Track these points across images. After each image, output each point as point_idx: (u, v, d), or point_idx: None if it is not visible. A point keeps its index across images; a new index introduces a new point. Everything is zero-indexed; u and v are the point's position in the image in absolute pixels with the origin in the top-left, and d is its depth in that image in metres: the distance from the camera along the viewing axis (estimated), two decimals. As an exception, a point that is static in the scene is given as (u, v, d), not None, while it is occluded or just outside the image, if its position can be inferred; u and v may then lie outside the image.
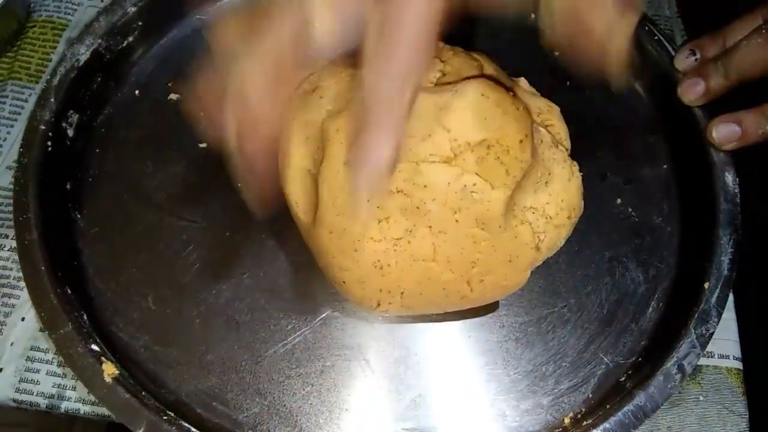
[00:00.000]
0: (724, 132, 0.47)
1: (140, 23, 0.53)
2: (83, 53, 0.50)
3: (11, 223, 0.45)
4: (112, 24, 0.51)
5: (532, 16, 0.56)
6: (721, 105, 0.49)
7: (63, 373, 0.45)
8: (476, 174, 0.35)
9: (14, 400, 0.45)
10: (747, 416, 0.46)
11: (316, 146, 0.38)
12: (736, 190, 0.47)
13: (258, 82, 0.34)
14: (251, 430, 0.42)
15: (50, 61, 0.56)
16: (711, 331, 0.42)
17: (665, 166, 0.52)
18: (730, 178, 0.47)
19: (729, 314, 0.48)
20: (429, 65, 0.37)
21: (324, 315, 0.45)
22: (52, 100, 0.48)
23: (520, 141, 0.36)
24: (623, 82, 0.42)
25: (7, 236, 0.49)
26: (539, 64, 0.48)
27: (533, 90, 0.43)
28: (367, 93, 0.31)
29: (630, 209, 0.50)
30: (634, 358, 0.45)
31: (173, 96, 0.53)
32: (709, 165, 0.48)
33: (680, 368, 0.41)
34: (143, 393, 0.40)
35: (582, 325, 0.46)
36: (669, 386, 0.41)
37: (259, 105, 0.34)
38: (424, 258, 0.37)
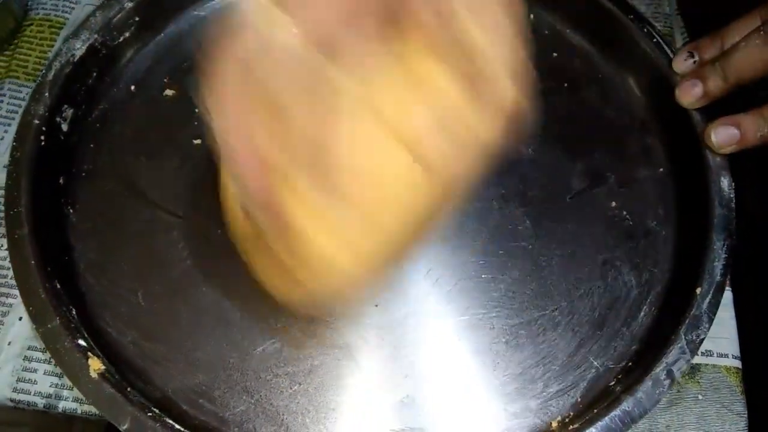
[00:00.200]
0: (722, 135, 0.47)
1: (137, 19, 0.53)
2: (79, 48, 0.50)
3: (9, 221, 0.45)
4: (109, 19, 0.51)
5: (532, 16, 0.56)
6: (719, 108, 0.48)
7: (60, 373, 0.46)
8: None
9: (11, 400, 0.45)
10: (746, 415, 0.46)
11: None
12: (732, 195, 0.47)
13: None
14: (237, 428, 0.42)
15: (48, 59, 0.57)
16: (702, 337, 0.42)
17: (661, 170, 0.51)
18: (725, 182, 0.47)
19: (728, 313, 0.48)
20: None
21: (313, 314, 0.45)
22: (47, 94, 0.48)
23: None
24: None
25: (4, 236, 0.49)
26: (536, 65, 0.48)
27: None
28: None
29: (624, 212, 0.49)
30: (624, 363, 0.44)
31: (169, 92, 0.53)
32: (704, 169, 0.47)
33: (669, 374, 0.41)
34: (128, 389, 0.40)
35: (573, 328, 0.46)
36: (657, 392, 0.40)
37: None
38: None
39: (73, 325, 0.42)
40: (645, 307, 0.46)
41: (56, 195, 0.48)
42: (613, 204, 0.50)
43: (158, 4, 0.54)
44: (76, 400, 0.45)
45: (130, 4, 0.52)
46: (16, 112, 0.54)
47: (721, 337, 0.48)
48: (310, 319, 0.45)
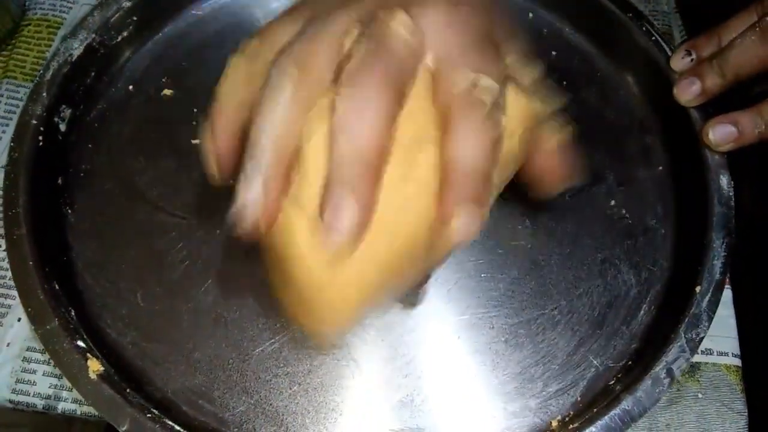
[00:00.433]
0: (720, 133, 0.47)
1: (135, 18, 0.52)
2: (77, 48, 0.49)
3: (8, 222, 0.45)
4: (107, 19, 0.51)
5: (530, 15, 0.56)
6: (717, 106, 0.48)
7: (59, 374, 0.45)
8: None
9: (10, 401, 0.45)
10: (746, 413, 0.46)
11: None
12: (731, 193, 0.46)
13: None
14: (237, 429, 0.42)
15: (45, 59, 0.56)
16: (701, 336, 0.42)
17: (660, 168, 0.51)
18: (725, 180, 0.47)
19: (728, 311, 0.48)
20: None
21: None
22: (45, 94, 0.48)
23: None
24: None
25: (3, 236, 0.49)
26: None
27: None
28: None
29: (624, 211, 0.49)
30: (624, 362, 0.44)
31: (167, 92, 0.52)
32: (703, 167, 0.47)
33: (669, 372, 0.41)
34: (128, 390, 0.40)
35: (572, 327, 0.46)
36: (657, 391, 0.40)
37: None
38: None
39: (72, 326, 0.41)
40: (644, 305, 0.46)
41: (54, 195, 0.48)
42: (613, 203, 0.50)
43: (156, 4, 0.54)
44: (75, 401, 0.45)
45: (128, 4, 0.52)
46: (14, 113, 0.54)
47: (721, 336, 0.48)
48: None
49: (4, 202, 0.44)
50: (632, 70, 0.54)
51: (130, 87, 0.53)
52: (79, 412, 0.45)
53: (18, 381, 0.45)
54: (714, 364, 0.47)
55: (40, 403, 0.45)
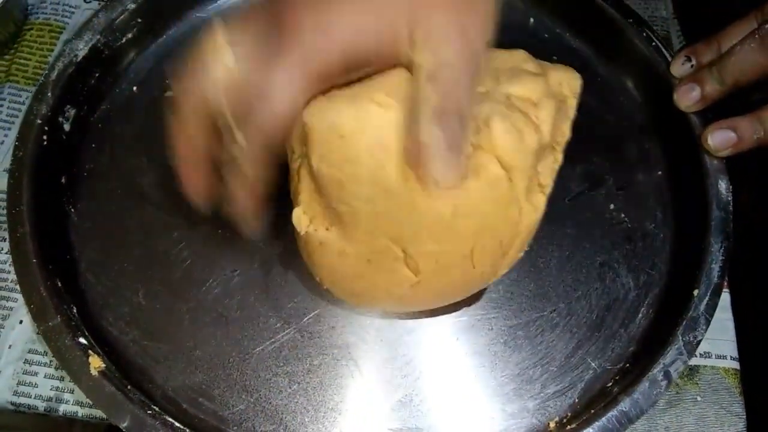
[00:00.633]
0: (719, 138, 0.47)
1: (139, 20, 0.53)
2: (81, 49, 0.50)
3: (10, 225, 0.45)
4: (111, 21, 0.51)
5: (532, 20, 0.57)
6: (716, 112, 0.48)
7: (61, 376, 0.46)
8: None
9: (12, 403, 0.45)
10: (744, 416, 0.46)
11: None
12: (729, 198, 0.47)
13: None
14: (236, 427, 0.42)
15: (47, 64, 0.56)
16: (699, 339, 0.42)
17: (659, 173, 0.51)
18: (723, 185, 0.47)
19: (726, 315, 0.48)
20: None
21: (313, 314, 0.45)
22: (49, 94, 0.48)
23: None
24: None
25: (4, 239, 0.49)
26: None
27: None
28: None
29: (623, 215, 0.50)
30: (621, 364, 0.45)
31: (170, 93, 0.53)
32: (702, 172, 0.48)
33: (666, 375, 0.41)
34: (128, 387, 0.40)
35: (571, 329, 0.46)
36: (654, 393, 0.41)
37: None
38: None
39: (73, 323, 0.42)
40: (642, 308, 0.46)
41: (58, 194, 0.48)
42: (612, 207, 0.50)
43: (160, 7, 0.54)
44: (76, 403, 0.45)
45: (133, 6, 0.52)
46: (16, 116, 0.54)
47: (720, 339, 0.48)
48: (310, 319, 0.45)
49: (9, 200, 0.45)
50: (632, 76, 0.54)
51: (134, 88, 0.53)
52: (80, 414, 0.45)
53: (20, 383, 0.46)
54: (713, 367, 0.47)
55: (41, 405, 0.45)
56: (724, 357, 0.47)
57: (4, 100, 0.55)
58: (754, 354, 0.48)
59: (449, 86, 0.31)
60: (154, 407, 0.40)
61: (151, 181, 0.50)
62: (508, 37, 0.52)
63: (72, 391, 0.45)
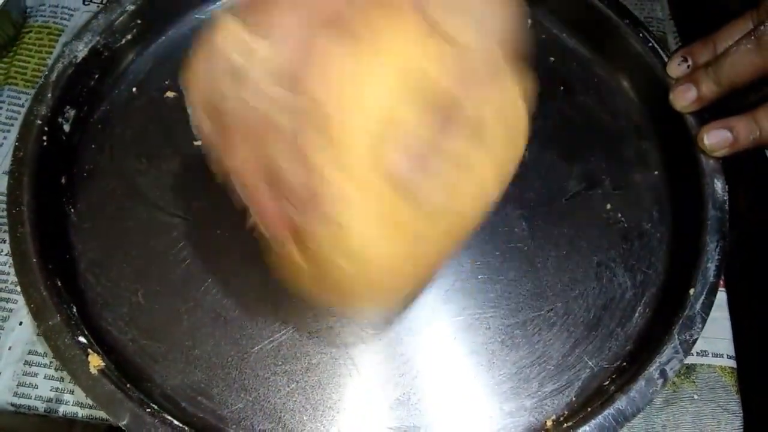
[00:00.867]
0: (715, 138, 0.47)
1: (138, 21, 0.53)
2: (81, 50, 0.50)
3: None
4: (111, 22, 0.52)
5: (529, 21, 0.57)
6: (713, 112, 0.49)
7: (61, 377, 0.46)
8: None
9: (12, 405, 0.45)
10: (741, 414, 0.46)
11: None
12: (725, 198, 0.47)
13: None
14: (235, 426, 0.42)
15: (47, 66, 0.57)
16: (695, 337, 0.42)
17: (656, 172, 0.52)
18: (719, 185, 0.47)
19: (723, 313, 0.49)
20: None
21: (311, 313, 0.46)
22: (49, 95, 0.48)
23: None
24: None
25: (4, 240, 0.49)
26: (533, 69, 0.48)
27: None
28: None
29: (619, 214, 0.50)
30: (618, 363, 0.45)
31: (170, 94, 0.53)
32: (698, 172, 0.48)
33: (662, 373, 0.41)
34: (128, 385, 0.40)
35: (568, 328, 0.46)
36: (651, 391, 0.41)
37: None
38: None
39: (73, 322, 0.42)
40: (639, 307, 0.47)
41: (58, 194, 0.48)
42: (608, 206, 0.50)
43: (160, 8, 0.54)
44: (76, 404, 0.45)
45: (132, 7, 0.52)
46: (15, 119, 0.55)
47: (716, 338, 0.48)
48: (308, 318, 0.45)
49: (9, 200, 0.45)
50: (629, 76, 0.55)
51: (134, 89, 0.53)
52: (80, 415, 0.45)
53: (20, 384, 0.46)
54: (709, 366, 0.47)
55: (41, 406, 0.45)
56: (721, 355, 0.48)
57: (3, 102, 0.55)
58: (751, 352, 0.48)
59: None
60: (154, 406, 0.40)
61: (150, 182, 0.50)
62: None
63: (72, 392, 0.45)
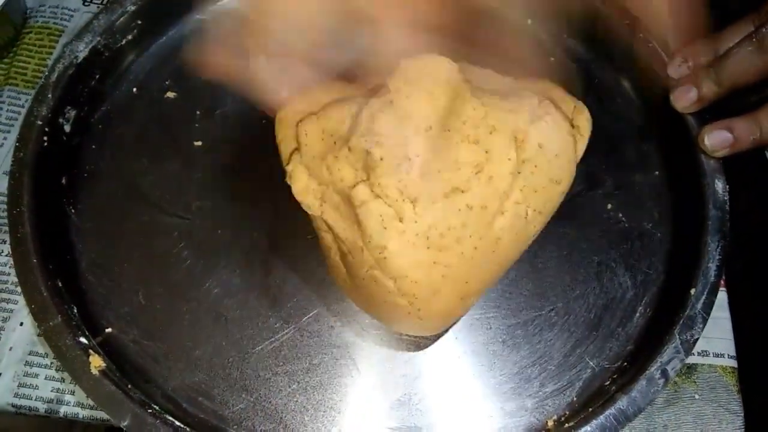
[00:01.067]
0: (716, 139, 0.47)
1: (139, 22, 0.53)
2: (82, 50, 0.50)
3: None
4: (111, 22, 0.52)
5: (529, 21, 0.57)
6: (713, 112, 0.49)
7: (62, 378, 0.46)
8: None
9: (13, 405, 0.45)
10: (742, 414, 0.46)
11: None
12: (726, 198, 0.47)
13: None
14: (236, 426, 0.42)
15: (47, 67, 0.57)
16: (696, 337, 0.42)
17: (657, 173, 0.52)
18: (720, 185, 0.47)
19: (724, 313, 0.49)
20: None
21: (312, 314, 0.46)
22: (50, 96, 0.48)
23: None
24: None
25: (5, 241, 0.49)
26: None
27: None
28: None
29: (620, 215, 0.50)
30: (619, 363, 0.45)
31: (170, 94, 0.53)
32: (699, 172, 0.48)
33: (664, 373, 0.41)
34: (129, 386, 0.40)
35: (569, 328, 0.46)
36: (652, 391, 0.41)
37: None
38: None
39: (74, 323, 0.42)
40: (640, 307, 0.47)
41: (58, 195, 0.48)
42: (609, 206, 0.50)
43: (160, 8, 0.54)
44: (77, 404, 0.45)
45: (133, 8, 0.52)
46: (16, 119, 0.55)
47: (717, 338, 0.48)
48: (309, 319, 0.45)
49: (9, 201, 0.45)
50: (630, 77, 0.55)
51: (134, 89, 0.53)
52: (81, 416, 0.45)
53: (20, 385, 0.46)
54: (710, 366, 0.47)
55: (42, 407, 0.45)
56: (722, 355, 0.48)
57: (3, 103, 0.55)
58: (752, 352, 0.48)
59: None
60: (155, 406, 0.40)
61: (151, 182, 0.50)
62: (506, 39, 0.53)
63: (73, 393, 0.45)
